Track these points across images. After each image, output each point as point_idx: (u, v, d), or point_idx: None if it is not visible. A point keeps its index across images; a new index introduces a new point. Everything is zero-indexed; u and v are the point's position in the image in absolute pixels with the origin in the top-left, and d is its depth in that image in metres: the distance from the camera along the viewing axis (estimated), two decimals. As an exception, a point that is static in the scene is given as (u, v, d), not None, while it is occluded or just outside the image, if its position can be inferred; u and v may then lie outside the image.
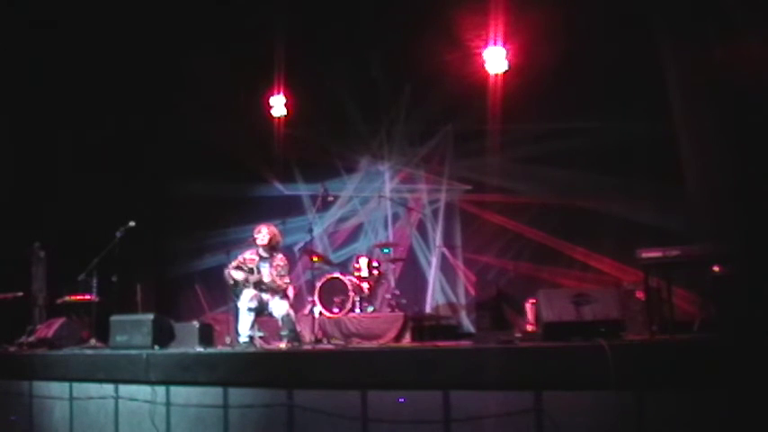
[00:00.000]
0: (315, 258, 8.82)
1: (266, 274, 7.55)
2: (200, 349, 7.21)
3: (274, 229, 7.79)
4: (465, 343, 7.31)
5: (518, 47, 8.93)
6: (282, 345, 7.32)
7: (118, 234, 8.31)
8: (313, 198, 10.09)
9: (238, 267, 7.63)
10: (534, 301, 7.17)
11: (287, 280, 7.64)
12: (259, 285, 7.54)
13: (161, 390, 6.56)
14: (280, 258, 7.68)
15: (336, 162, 10.61)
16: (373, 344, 7.96)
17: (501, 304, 9.08)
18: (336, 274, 9.00)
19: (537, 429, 5.13)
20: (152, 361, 6.66)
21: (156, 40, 10.19)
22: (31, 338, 8.34)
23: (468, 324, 9.50)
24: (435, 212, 10.09)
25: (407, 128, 10.30)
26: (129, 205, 9.83)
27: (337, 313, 8.72)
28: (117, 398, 6.82)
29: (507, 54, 8.93)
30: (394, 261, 9.66)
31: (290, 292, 7.80)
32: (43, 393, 7.25)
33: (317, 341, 7.94)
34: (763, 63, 6.89)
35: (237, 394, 6.25)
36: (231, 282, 7.61)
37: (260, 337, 7.63)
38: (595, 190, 8.64)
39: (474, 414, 5.32)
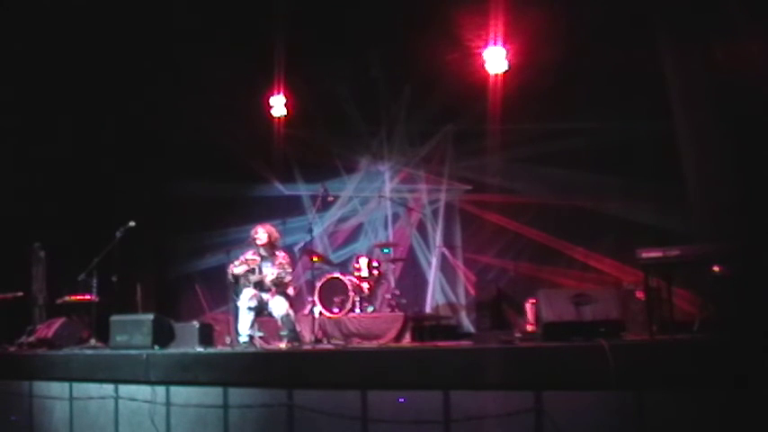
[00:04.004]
0: (315, 258, 8.82)
1: (269, 273, 7.56)
2: (200, 349, 7.21)
3: (271, 228, 7.82)
4: (465, 343, 7.32)
5: (518, 47, 8.92)
6: (282, 345, 7.33)
7: (118, 234, 8.31)
8: (313, 198, 10.08)
9: (240, 265, 7.66)
10: (534, 301, 7.16)
11: (290, 278, 7.65)
12: (259, 285, 7.56)
13: (161, 390, 6.57)
14: (282, 257, 7.70)
15: (336, 162, 10.60)
16: (373, 344, 7.96)
17: (501, 304, 9.08)
18: (336, 274, 9.00)
19: (537, 429, 5.14)
20: (152, 361, 6.67)
21: (157, 40, 10.17)
22: (31, 338, 8.34)
23: (468, 324, 9.50)
24: (435, 212, 10.08)
25: (407, 128, 10.30)
26: (130, 205, 9.83)
27: (337, 313, 8.72)
28: (117, 398, 6.83)
29: (507, 54, 8.92)
30: (394, 261, 9.66)
31: (290, 292, 7.82)
32: (43, 393, 7.26)
33: (317, 341, 7.95)
34: (763, 63, 6.89)
35: (237, 394, 6.25)
36: (231, 278, 7.63)
37: (260, 337, 7.64)
38: (595, 190, 8.64)
39: (474, 414, 5.32)
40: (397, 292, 9.19)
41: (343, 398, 5.79)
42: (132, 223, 8.39)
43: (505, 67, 8.97)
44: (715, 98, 7.40)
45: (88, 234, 9.15)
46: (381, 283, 9.48)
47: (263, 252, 7.69)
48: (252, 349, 7.22)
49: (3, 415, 7.43)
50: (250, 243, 7.76)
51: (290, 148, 10.68)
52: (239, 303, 7.53)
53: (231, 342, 7.77)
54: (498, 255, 9.48)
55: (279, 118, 10.54)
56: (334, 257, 10.17)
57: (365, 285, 9.00)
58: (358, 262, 9.21)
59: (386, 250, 9.53)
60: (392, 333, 8.23)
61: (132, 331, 7.36)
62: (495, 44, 8.89)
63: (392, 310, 8.84)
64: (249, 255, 7.72)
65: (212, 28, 10.11)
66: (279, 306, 7.46)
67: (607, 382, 4.85)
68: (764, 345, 4.74)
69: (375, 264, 9.21)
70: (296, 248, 9.05)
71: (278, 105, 10.48)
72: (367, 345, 7.90)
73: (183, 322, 8.19)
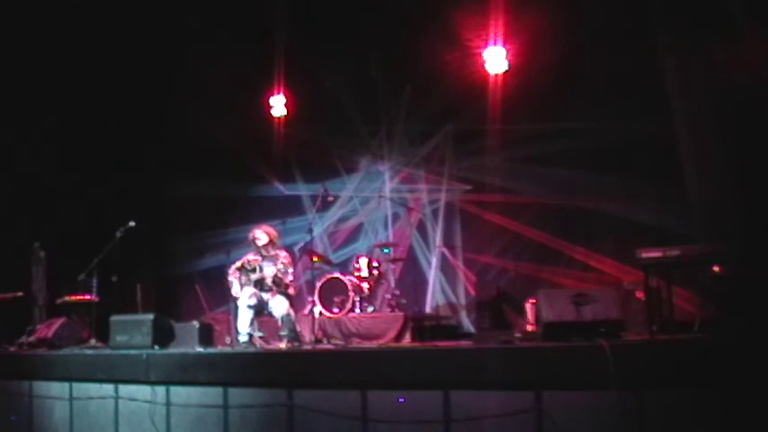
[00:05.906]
0: (315, 258, 8.82)
1: (270, 272, 7.56)
2: (200, 349, 7.21)
3: (268, 227, 7.85)
4: (465, 343, 7.32)
5: (518, 47, 8.93)
6: (282, 345, 7.33)
7: (118, 234, 8.31)
8: (313, 198, 10.09)
9: (240, 268, 7.65)
10: (534, 301, 7.17)
11: (290, 278, 7.66)
12: (260, 284, 7.55)
13: (161, 390, 6.56)
14: (284, 256, 7.71)
15: (336, 162, 10.60)
16: (373, 344, 7.96)
17: (501, 304, 9.09)
18: (336, 274, 9.00)
19: (537, 429, 5.13)
20: (152, 361, 6.66)
21: (157, 40, 10.18)
22: (31, 338, 8.33)
23: (468, 324, 9.50)
24: (435, 212, 10.08)
25: (407, 128, 10.29)
26: (129, 205, 9.82)
27: (337, 313, 8.72)
28: (117, 398, 6.82)
29: (507, 54, 8.93)
30: (394, 261, 9.66)
31: (291, 292, 7.81)
32: (43, 393, 7.25)
33: (317, 341, 7.93)
34: (763, 63, 6.89)
35: (237, 394, 6.25)
36: (232, 280, 7.63)
37: (260, 337, 7.64)
38: (595, 190, 8.64)
39: (474, 414, 5.32)
40: (397, 292, 9.19)
41: (344, 398, 5.78)
42: (132, 223, 8.38)
43: (505, 67, 8.98)
44: (715, 98, 7.40)
45: (88, 234, 9.14)
46: (381, 283, 9.48)
47: (264, 252, 7.69)
48: (252, 349, 7.22)
49: (3, 415, 7.43)
50: (250, 245, 7.77)
51: (290, 148, 10.68)
52: (239, 302, 7.53)
53: (231, 342, 7.77)
54: (498, 255, 9.48)
55: (279, 118, 10.55)
56: (334, 257, 10.17)
57: (365, 285, 9.00)
58: (358, 262, 9.21)
59: (386, 250, 9.53)
60: (392, 333, 8.23)
61: (132, 331, 7.35)
62: (495, 44, 8.90)
63: (392, 310, 8.84)
64: (251, 255, 7.73)
65: (213, 28, 10.12)
66: (279, 306, 7.46)
67: (607, 382, 4.85)
68: (764, 345, 4.73)
69: (375, 264, 9.21)
70: (296, 248, 9.06)
71: (278, 105, 10.48)
72: (367, 345, 7.89)
73: (183, 322, 8.17)
